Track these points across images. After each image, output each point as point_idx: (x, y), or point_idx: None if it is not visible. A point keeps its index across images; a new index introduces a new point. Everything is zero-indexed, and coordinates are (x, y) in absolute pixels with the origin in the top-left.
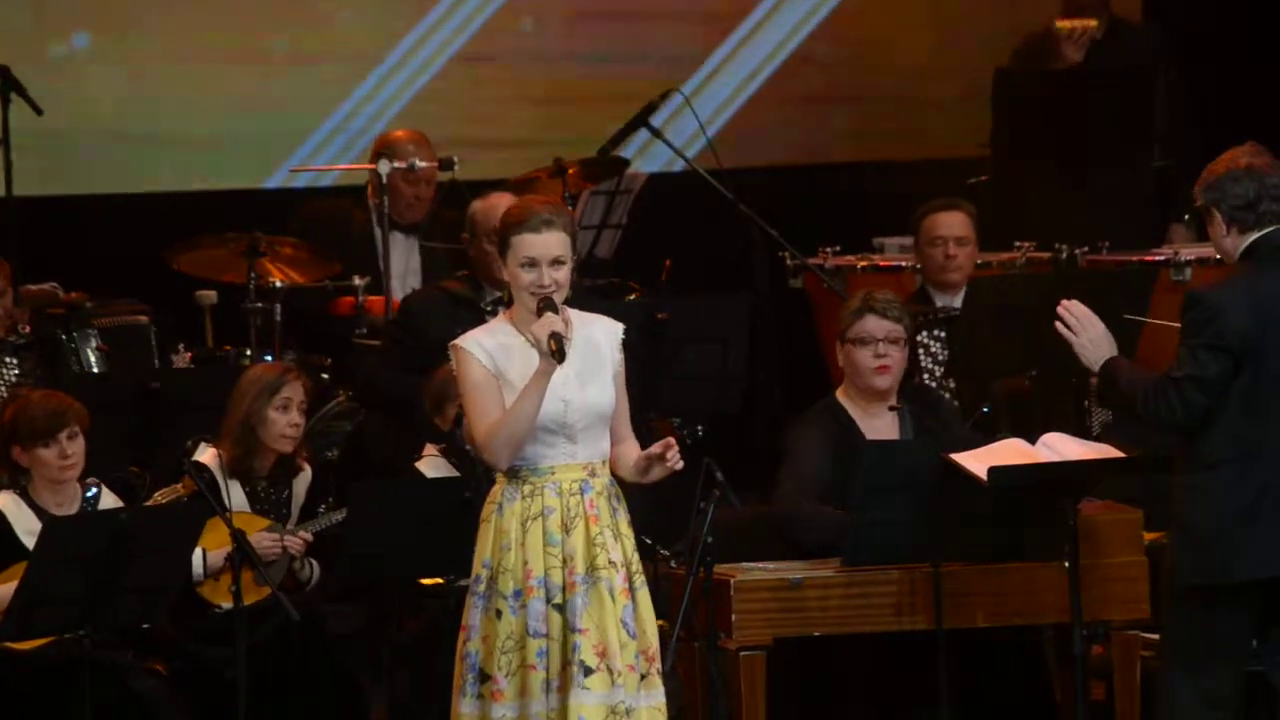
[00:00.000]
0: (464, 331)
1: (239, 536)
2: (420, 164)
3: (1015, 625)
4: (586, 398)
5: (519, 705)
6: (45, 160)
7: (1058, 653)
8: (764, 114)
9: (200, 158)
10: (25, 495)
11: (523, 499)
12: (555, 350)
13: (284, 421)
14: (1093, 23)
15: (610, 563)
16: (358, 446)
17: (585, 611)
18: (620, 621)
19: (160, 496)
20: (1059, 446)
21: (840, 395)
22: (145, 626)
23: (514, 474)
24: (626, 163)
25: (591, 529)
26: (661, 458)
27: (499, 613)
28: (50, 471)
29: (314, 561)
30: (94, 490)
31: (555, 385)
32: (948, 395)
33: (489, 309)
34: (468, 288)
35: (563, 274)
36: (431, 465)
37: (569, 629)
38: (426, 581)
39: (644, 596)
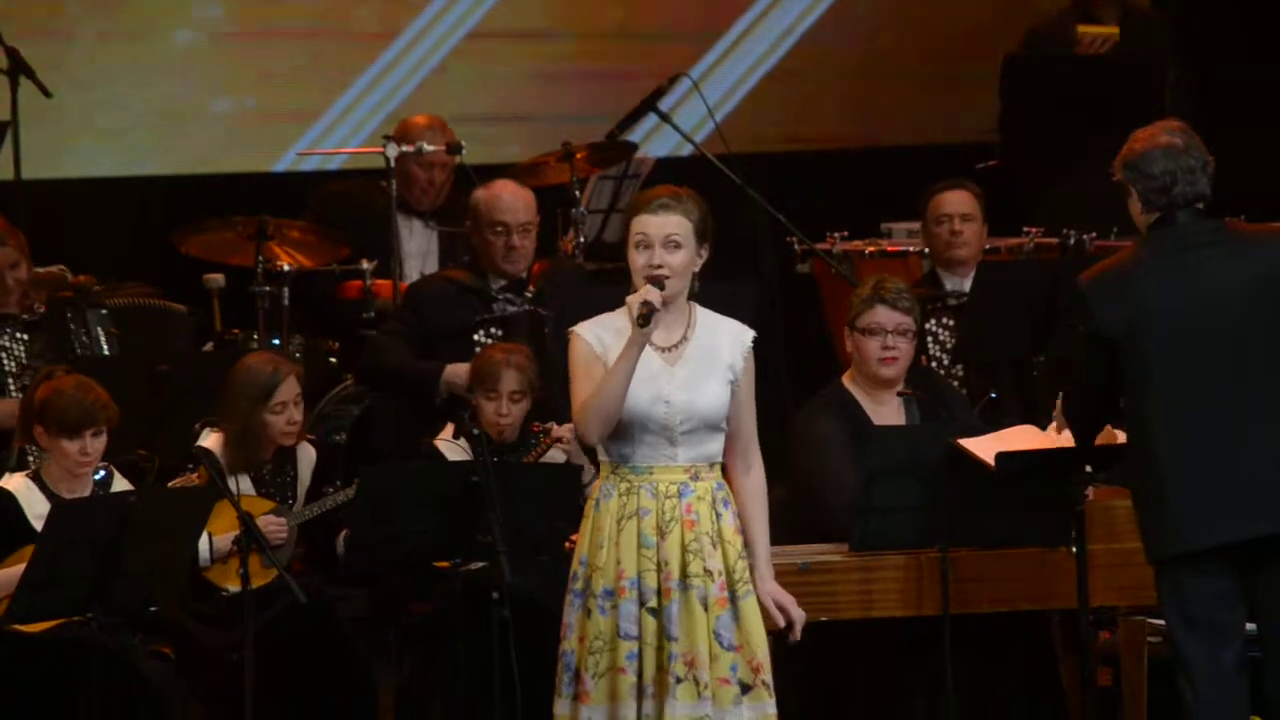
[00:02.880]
0: (474, 318)
1: (246, 519)
2: (427, 148)
3: (1022, 611)
4: (692, 401)
5: (608, 709)
6: (54, 143)
7: (1064, 638)
8: (772, 99)
9: (209, 140)
10: (37, 478)
11: (619, 496)
12: (642, 316)
13: (281, 421)
14: (1114, 30)
15: (705, 571)
16: (365, 430)
17: (679, 620)
18: (713, 633)
19: (175, 485)
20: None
21: (847, 380)
22: (153, 610)
23: (613, 470)
24: (634, 147)
25: (686, 535)
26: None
27: (590, 611)
28: (68, 463)
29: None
30: (103, 473)
31: (661, 386)
32: (955, 383)
33: (501, 297)
34: (473, 276)
35: (678, 259)
36: (449, 448)
37: (665, 636)
38: (435, 565)
39: (748, 606)
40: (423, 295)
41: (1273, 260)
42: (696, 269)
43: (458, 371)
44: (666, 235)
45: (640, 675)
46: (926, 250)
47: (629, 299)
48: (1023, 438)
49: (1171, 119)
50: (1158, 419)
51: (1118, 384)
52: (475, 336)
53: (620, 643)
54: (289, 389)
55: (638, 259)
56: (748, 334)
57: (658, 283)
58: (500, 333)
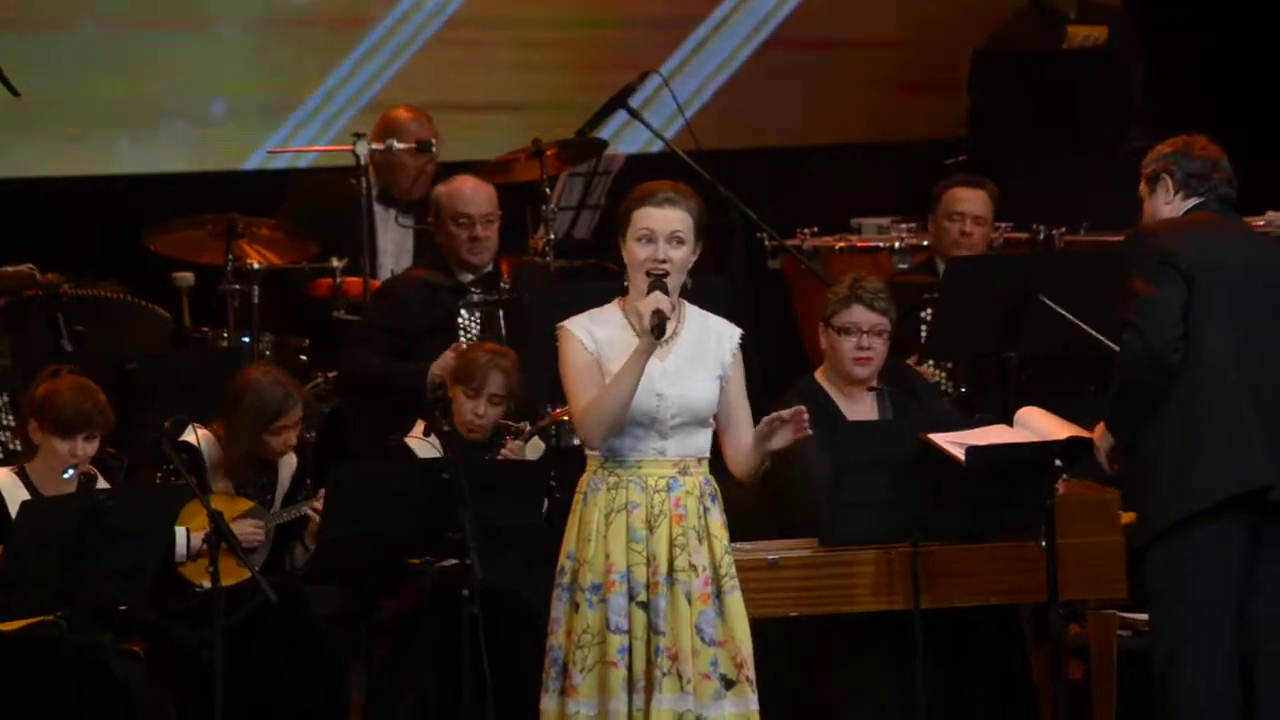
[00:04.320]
0: (444, 316)
1: (217, 518)
2: (398, 145)
3: (993, 605)
4: (682, 395)
5: (598, 702)
6: (23, 141)
7: (1035, 632)
8: (742, 95)
9: (179, 139)
10: (23, 473)
11: (608, 490)
12: (655, 327)
13: (279, 442)
14: (1104, 31)
15: (691, 566)
16: (336, 427)
17: (665, 614)
18: (695, 627)
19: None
20: (1034, 423)
21: (819, 376)
22: (123, 608)
23: (601, 464)
24: (605, 144)
25: (674, 529)
26: (789, 422)
27: (577, 605)
28: (56, 463)
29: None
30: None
31: (652, 379)
32: (942, 375)
33: (474, 294)
34: (441, 274)
35: (680, 254)
36: (420, 445)
37: (653, 630)
38: (406, 562)
39: (733, 601)
40: (396, 295)
41: None
42: (690, 265)
43: (445, 366)
44: (671, 231)
45: (630, 669)
46: (928, 241)
47: (639, 305)
48: (993, 434)
49: (1199, 137)
50: (1210, 366)
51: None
52: (459, 320)
53: (610, 636)
54: (294, 415)
55: (640, 252)
56: (736, 332)
57: (660, 278)
58: (479, 317)
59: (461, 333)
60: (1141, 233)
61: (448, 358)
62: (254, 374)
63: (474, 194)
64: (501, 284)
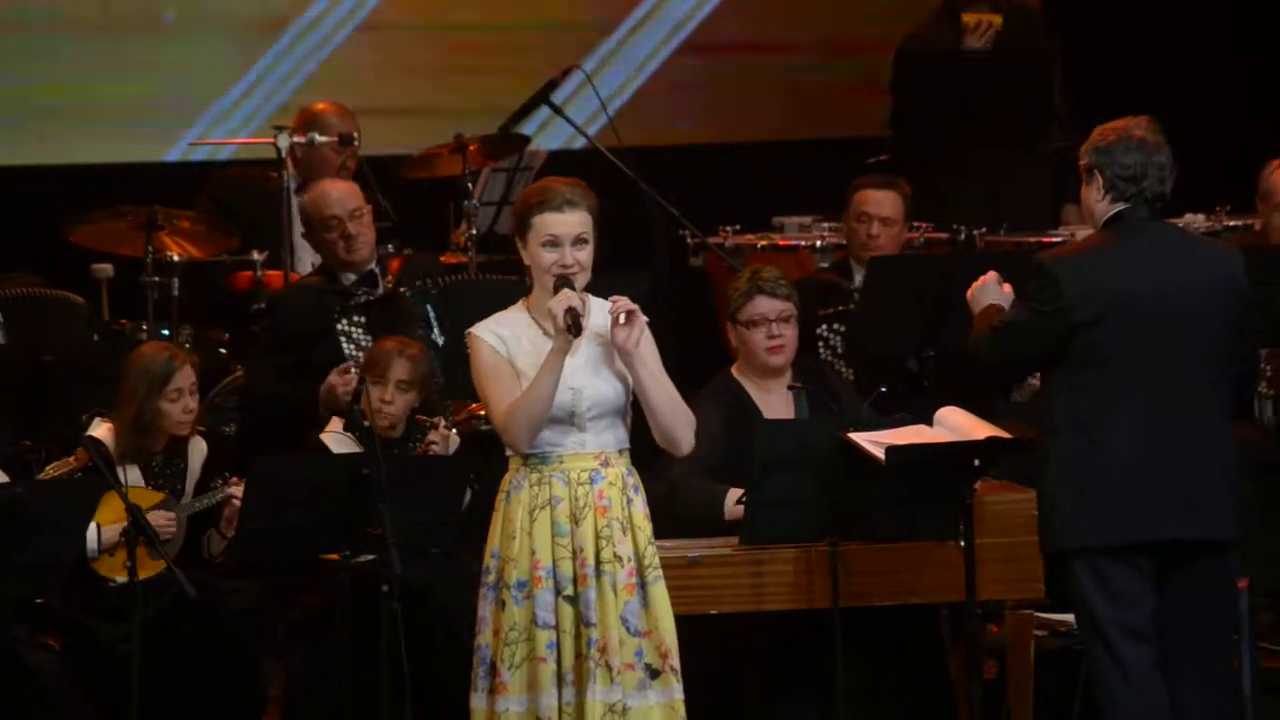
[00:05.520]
0: (337, 320)
1: (135, 511)
2: (320, 138)
3: (911, 604)
4: (597, 387)
5: (527, 699)
6: None
7: (952, 631)
8: (665, 92)
9: (99, 130)
10: None
11: (530, 487)
12: (571, 325)
13: (177, 410)
14: (997, 18)
15: (615, 557)
16: (254, 422)
17: (595, 606)
18: (620, 618)
19: (52, 470)
20: (952, 421)
21: (735, 372)
22: (38, 601)
23: (523, 462)
24: (527, 140)
25: (599, 521)
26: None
27: (503, 603)
28: None
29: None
30: None
31: (565, 374)
32: (850, 375)
33: (361, 295)
34: (325, 278)
35: (585, 255)
36: (336, 440)
37: (583, 623)
38: (324, 557)
39: (657, 591)
40: (279, 310)
41: (1220, 276)
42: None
43: (328, 387)
44: (575, 235)
45: (559, 663)
46: (843, 241)
47: (550, 305)
48: (913, 434)
49: (1141, 116)
50: (1108, 405)
51: (1048, 362)
52: (339, 327)
53: (538, 632)
54: (185, 377)
55: (546, 257)
56: (606, 303)
57: (568, 281)
58: (363, 320)
59: (343, 339)
60: (1050, 260)
61: (330, 381)
62: (141, 347)
63: (336, 194)
64: (385, 281)
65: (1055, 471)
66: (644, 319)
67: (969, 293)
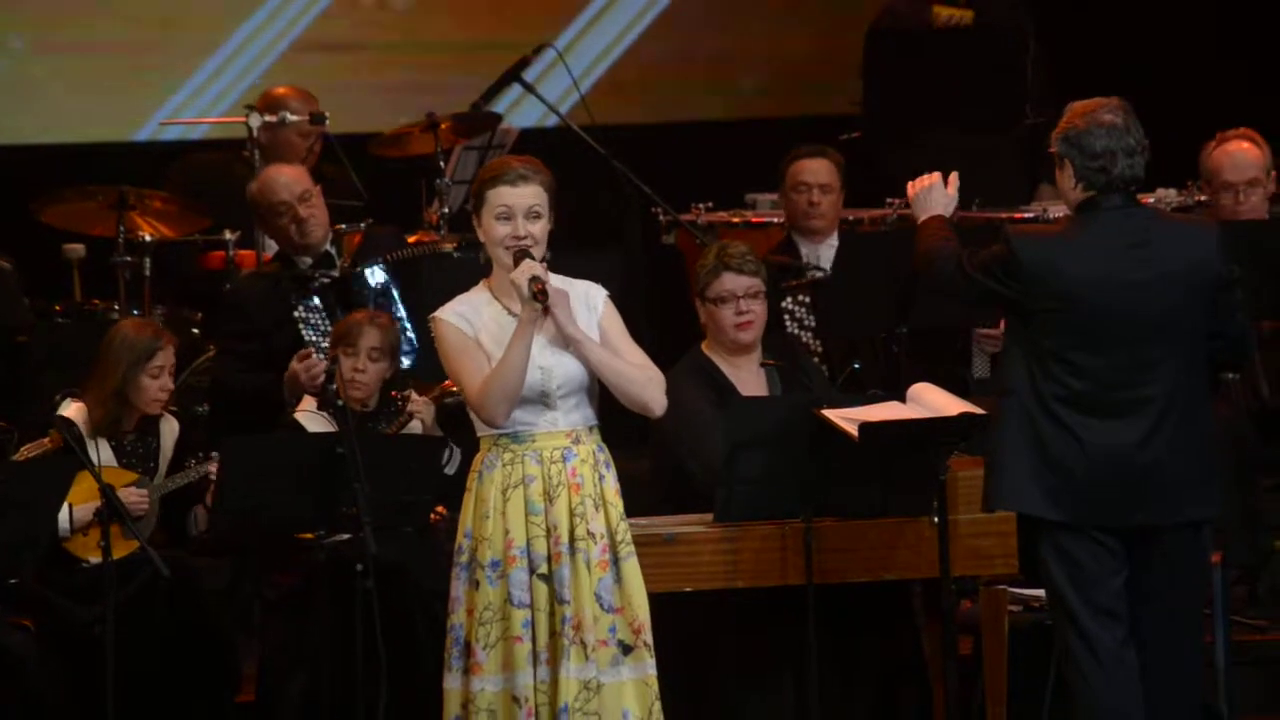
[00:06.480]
0: (296, 306)
1: (108, 491)
2: (291, 118)
3: (885, 580)
4: (566, 365)
5: (503, 678)
6: None
7: (926, 607)
8: (637, 70)
9: (69, 109)
10: None
11: (503, 466)
12: (538, 292)
13: (156, 386)
14: (969, 14)
15: (589, 534)
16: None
17: (569, 583)
18: (594, 595)
19: (26, 451)
20: (925, 397)
21: (706, 349)
22: (12, 582)
23: (495, 441)
24: (499, 118)
25: (573, 498)
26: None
27: (477, 583)
28: None
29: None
30: None
31: (534, 352)
32: (815, 359)
33: (316, 278)
34: (281, 265)
35: (538, 228)
36: (310, 419)
37: (557, 600)
38: (299, 536)
39: (629, 567)
40: (235, 300)
41: (1192, 259)
42: (547, 237)
43: (294, 372)
44: (528, 206)
45: (534, 642)
46: (783, 215)
47: (513, 276)
48: (886, 410)
49: (1112, 97)
50: (1064, 389)
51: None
52: (296, 314)
53: (513, 611)
54: (167, 356)
55: (499, 230)
56: (600, 290)
57: (528, 253)
58: (319, 303)
59: (301, 325)
60: (1016, 239)
61: (293, 368)
62: (122, 322)
63: (283, 179)
64: (341, 262)
65: (1000, 431)
66: (563, 291)
67: (911, 192)
